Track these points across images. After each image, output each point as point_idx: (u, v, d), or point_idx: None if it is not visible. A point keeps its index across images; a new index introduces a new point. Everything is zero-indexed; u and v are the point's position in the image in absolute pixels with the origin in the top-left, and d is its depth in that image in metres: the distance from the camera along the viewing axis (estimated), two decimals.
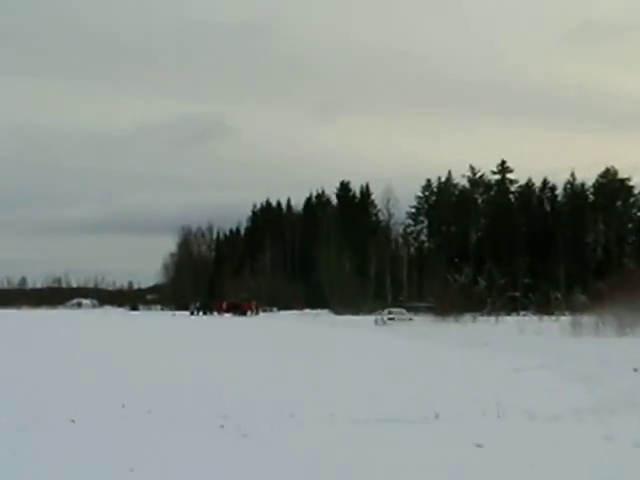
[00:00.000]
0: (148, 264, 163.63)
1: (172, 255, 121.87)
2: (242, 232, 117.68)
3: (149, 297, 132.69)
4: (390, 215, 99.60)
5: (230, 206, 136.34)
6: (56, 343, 27.73)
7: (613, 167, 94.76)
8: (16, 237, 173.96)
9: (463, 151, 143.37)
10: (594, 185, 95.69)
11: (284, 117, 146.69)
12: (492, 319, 49.50)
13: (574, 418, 9.40)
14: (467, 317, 50.37)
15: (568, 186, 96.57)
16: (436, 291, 59.07)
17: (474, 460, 7.14)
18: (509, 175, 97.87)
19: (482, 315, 53.17)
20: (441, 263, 77.73)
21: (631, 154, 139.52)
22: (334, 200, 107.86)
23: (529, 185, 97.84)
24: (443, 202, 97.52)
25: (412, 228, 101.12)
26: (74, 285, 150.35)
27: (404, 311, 57.44)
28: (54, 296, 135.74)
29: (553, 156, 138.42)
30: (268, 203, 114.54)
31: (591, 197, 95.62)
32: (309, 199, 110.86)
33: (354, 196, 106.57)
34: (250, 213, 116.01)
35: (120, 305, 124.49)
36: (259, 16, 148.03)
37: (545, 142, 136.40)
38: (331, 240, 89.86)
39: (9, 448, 7.52)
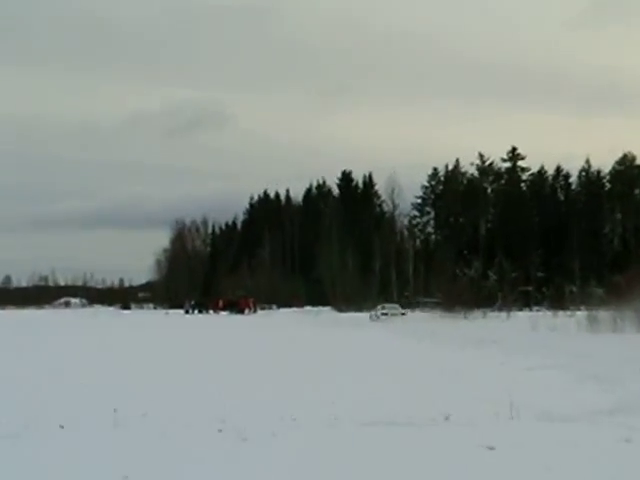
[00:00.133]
0: (140, 260, 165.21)
1: (165, 251, 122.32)
2: (239, 226, 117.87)
3: (141, 295, 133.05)
4: (395, 206, 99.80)
5: (226, 198, 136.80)
6: (43, 345, 27.78)
7: (631, 153, 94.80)
8: None
9: (472, 138, 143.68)
10: (611, 172, 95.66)
11: (284, 104, 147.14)
12: (503, 315, 49.56)
13: (591, 420, 9.42)
14: (477, 313, 50.44)
15: (583, 174, 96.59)
16: (444, 286, 59.18)
17: (486, 463, 7.17)
18: (520, 163, 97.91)
19: (493, 311, 53.23)
20: (449, 256, 77.76)
21: None
22: (335, 191, 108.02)
23: (542, 173, 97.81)
24: (451, 192, 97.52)
25: (418, 220, 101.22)
26: (62, 283, 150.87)
27: (397, 306, 62.66)
28: (41, 295, 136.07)
29: (567, 142, 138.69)
30: (266, 195, 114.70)
31: (607, 185, 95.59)
32: (309, 190, 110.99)
33: (356, 186, 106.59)
34: (247, 205, 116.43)
35: (110, 304, 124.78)
36: None
37: (558, 127, 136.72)
38: (332, 233, 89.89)
39: None
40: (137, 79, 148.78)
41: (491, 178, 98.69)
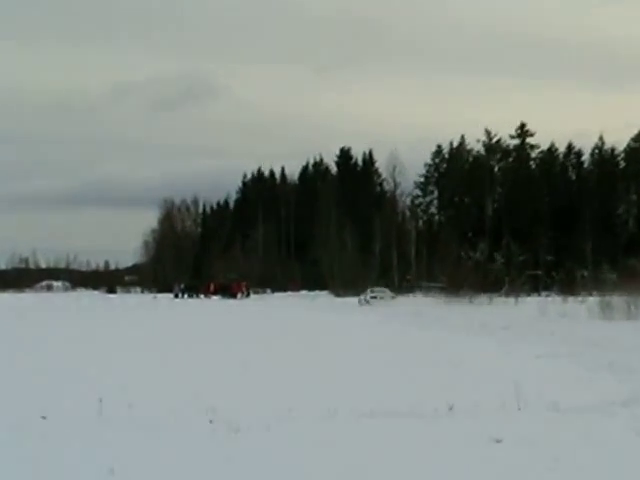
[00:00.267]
0: (126, 242, 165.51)
1: (153, 231, 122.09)
2: (231, 205, 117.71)
3: (127, 278, 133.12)
4: (396, 185, 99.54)
5: (218, 176, 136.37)
6: (24, 330, 27.79)
7: None
8: None
9: (478, 113, 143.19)
10: (625, 150, 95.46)
11: (279, 75, 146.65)
12: (511, 300, 49.63)
13: (603, 411, 9.44)
14: (482, 298, 50.50)
15: (596, 151, 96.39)
16: (448, 269, 59.18)
17: (492, 456, 7.18)
18: (529, 139, 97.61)
19: (499, 296, 53.28)
20: (453, 238, 77.69)
21: None
22: (333, 169, 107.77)
23: (552, 151, 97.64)
24: (455, 170, 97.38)
25: (421, 199, 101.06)
26: (43, 266, 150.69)
27: (387, 290, 64.85)
28: (21, 278, 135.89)
29: (579, 118, 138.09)
30: (260, 173, 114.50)
31: (622, 163, 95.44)
32: (306, 168, 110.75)
33: (356, 164, 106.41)
34: (240, 184, 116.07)
35: (95, 288, 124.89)
36: None
37: (570, 102, 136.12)
38: (330, 213, 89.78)
39: None
40: (120, 48, 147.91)
41: (498, 156, 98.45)
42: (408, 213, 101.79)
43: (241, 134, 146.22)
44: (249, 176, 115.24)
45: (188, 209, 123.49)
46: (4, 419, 9.06)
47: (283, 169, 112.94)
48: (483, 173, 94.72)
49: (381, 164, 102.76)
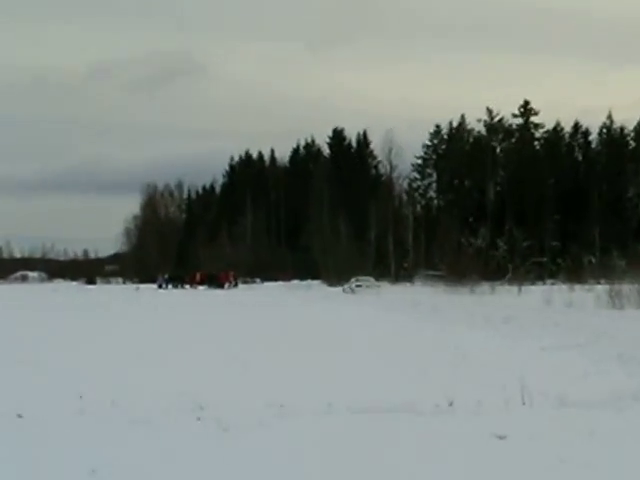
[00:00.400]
0: (106, 229, 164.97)
1: (135, 218, 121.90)
2: (217, 190, 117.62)
3: (108, 268, 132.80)
4: (392, 168, 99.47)
5: (203, 159, 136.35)
6: None
7: None
8: None
9: (478, 91, 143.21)
10: (635, 129, 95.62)
11: (268, 52, 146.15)
12: (514, 289, 49.80)
13: (612, 405, 9.48)
14: (484, 287, 50.72)
15: (604, 130, 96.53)
16: (448, 257, 59.44)
17: (495, 454, 7.22)
18: (533, 118, 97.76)
19: (502, 284, 53.51)
20: (453, 224, 77.89)
21: None
22: (326, 151, 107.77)
23: (557, 130, 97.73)
24: (455, 151, 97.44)
25: (418, 183, 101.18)
26: (17, 255, 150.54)
27: (371, 279, 67.07)
28: None
29: (586, 95, 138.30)
30: (248, 155, 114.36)
31: (632, 143, 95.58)
32: (296, 150, 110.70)
33: (349, 146, 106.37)
34: (227, 167, 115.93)
35: (73, 278, 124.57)
36: None
37: (576, 78, 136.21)
38: (323, 198, 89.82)
39: None
40: (102, 26, 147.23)
41: (500, 136, 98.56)
42: (405, 197, 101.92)
43: (228, 115, 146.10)
44: (236, 159, 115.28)
45: (172, 194, 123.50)
46: None
47: (272, 151, 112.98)
48: (484, 154, 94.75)
49: (376, 145, 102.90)
